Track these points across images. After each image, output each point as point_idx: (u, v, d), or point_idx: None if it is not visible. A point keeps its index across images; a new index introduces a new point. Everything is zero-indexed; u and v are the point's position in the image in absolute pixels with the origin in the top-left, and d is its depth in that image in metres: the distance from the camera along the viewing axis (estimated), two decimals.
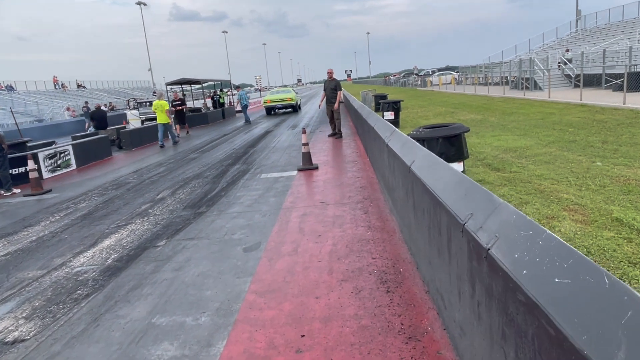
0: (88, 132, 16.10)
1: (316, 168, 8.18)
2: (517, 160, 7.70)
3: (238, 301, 3.32)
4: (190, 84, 25.84)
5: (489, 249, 1.75)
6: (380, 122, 6.70)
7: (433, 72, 56.26)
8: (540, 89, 24.28)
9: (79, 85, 62.43)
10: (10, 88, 51.86)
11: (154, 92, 51.74)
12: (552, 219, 4.58)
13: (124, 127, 17.02)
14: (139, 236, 5.20)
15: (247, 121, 21.13)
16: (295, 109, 26.54)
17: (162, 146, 14.48)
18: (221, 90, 29.51)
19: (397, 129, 5.20)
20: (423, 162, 3.30)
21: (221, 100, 27.94)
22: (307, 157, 8.28)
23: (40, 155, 10.23)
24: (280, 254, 4.16)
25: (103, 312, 3.36)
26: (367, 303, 3.08)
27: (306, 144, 8.26)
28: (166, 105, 15.11)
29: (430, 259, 2.93)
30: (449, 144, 5.62)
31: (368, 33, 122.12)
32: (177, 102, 18.03)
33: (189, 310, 3.27)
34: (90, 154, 12.19)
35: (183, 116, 18.27)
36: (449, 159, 5.67)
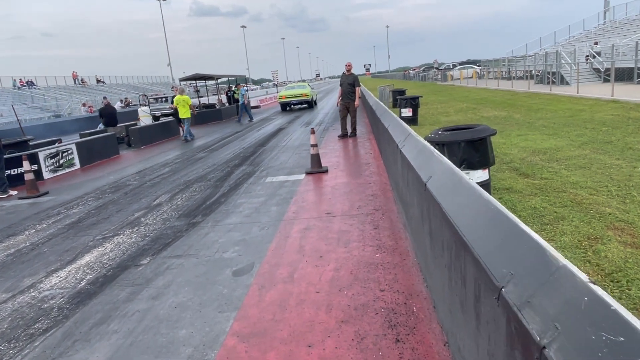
0: (98, 129, 15.77)
1: (325, 171, 7.56)
2: (548, 164, 6.95)
3: (215, 346, 2.74)
4: (205, 80, 25.44)
5: (544, 348, 1.12)
6: (395, 122, 6.05)
7: (454, 65, 54.96)
8: (567, 83, 23.15)
9: (98, 81, 62.97)
10: (30, 83, 52.49)
11: (173, 87, 51.69)
12: (596, 241, 3.88)
13: (135, 124, 16.64)
14: (122, 251, 4.67)
15: (239, 120, 20.65)
16: (311, 104, 25.95)
17: (186, 140, 14.84)
18: (236, 86, 29.03)
19: (412, 133, 4.55)
20: (443, 179, 2.66)
21: (236, 96, 27.46)
22: (315, 159, 7.66)
23: (41, 155, 9.84)
24: (274, 281, 3.57)
25: (56, 357, 2.82)
26: (370, 357, 2.46)
27: (315, 145, 7.64)
28: (189, 100, 15.10)
29: (451, 307, 2.30)
30: (472, 149, 4.94)
31: (387, 26, 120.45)
32: None
33: (156, 357, 2.70)
34: (95, 153, 11.79)
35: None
36: (473, 166, 5.00)
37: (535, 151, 7.99)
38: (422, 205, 3.09)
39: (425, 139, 4.95)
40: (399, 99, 14.08)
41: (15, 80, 50.79)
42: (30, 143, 11.35)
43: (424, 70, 65.63)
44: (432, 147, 3.54)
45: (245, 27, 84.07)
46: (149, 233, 5.20)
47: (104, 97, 32.34)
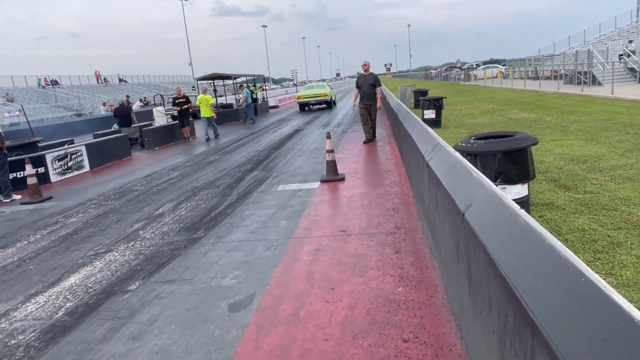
0: (112, 129, 15.49)
1: (342, 179, 6.97)
2: (590, 174, 6.23)
3: None
4: (222, 79, 25.09)
5: None
6: (420, 128, 5.42)
7: (477, 65, 53.64)
8: (599, 84, 22.04)
9: (120, 80, 63.73)
10: (55, 83, 53.30)
11: (193, 87, 51.69)
12: None
13: (150, 125, 16.31)
14: (112, 272, 4.18)
15: (252, 120, 20.21)
16: (330, 105, 25.41)
17: (207, 139, 14.71)
18: (254, 86, 28.61)
19: (441, 142, 3.94)
20: (488, 212, 2.05)
21: (254, 96, 27.06)
22: (331, 166, 7.08)
23: (48, 157, 9.50)
24: (275, 320, 3.00)
25: None
26: None
27: (331, 151, 7.05)
28: (210, 100, 15.26)
29: None
30: (510, 161, 4.29)
31: (409, 25, 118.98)
32: (180, 100, 15.30)
33: None
34: (106, 155, 11.44)
35: (187, 117, 15.52)
36: (510, 180, 4.35)
37: (573, 159, 7.25)
38: (457, 237, 2.49)
39: (455, 148, 4.35)
40: (422, 100, 13.40)
41: (40, 79, 51.57)
42: (40, 145, 11.06)
43: (446, 69, 64.35)
44: (468, 164, 2.93)
45: (266, 26, 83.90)
46: (144, 250, 4.70)
47: (127, 96, 32.17)
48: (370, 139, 10.86)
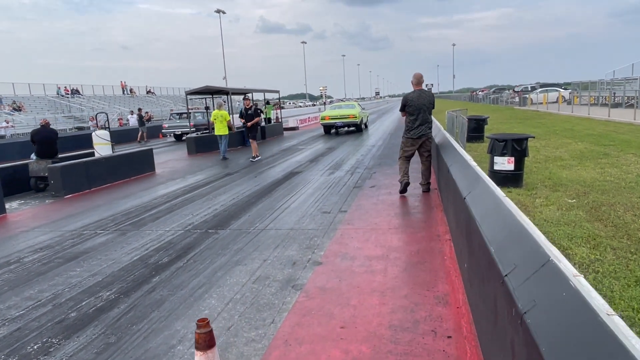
0: (31, 160, 10.76)
1: None
2: None
3: None
4: (223, 94, 20.31)
5: None
6: None
7: (533, 88, 47.15)
8: None
9: (148, 91, 61.24)
10: (75, 92, 50.83)
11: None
12: None
13: (91, 154, 11.50)
14: None
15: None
16: (359, 128, 20.43)
17: (224, 158, 13.66)
18: (267, 103, 23.72)
19: None
20: None
21: (265, 116, 22.16)
22: None
23: None
24: None
25: None
26: None
27: None
28: (227, 116, 14.04)
29: None
30: None
31: (454, 45, 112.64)
32: None
33: None
34: None
35: None
36: None
37: None
38: None
39: None
40: (494, 141, 7.86)
41: (59, 88, 48.99)
42: None
43: (494, 91, 57.88)
44: None
45: (305, 42, 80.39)
46: None
47: (139, 109, 27.27)
48: (427, 187, 7.51)
